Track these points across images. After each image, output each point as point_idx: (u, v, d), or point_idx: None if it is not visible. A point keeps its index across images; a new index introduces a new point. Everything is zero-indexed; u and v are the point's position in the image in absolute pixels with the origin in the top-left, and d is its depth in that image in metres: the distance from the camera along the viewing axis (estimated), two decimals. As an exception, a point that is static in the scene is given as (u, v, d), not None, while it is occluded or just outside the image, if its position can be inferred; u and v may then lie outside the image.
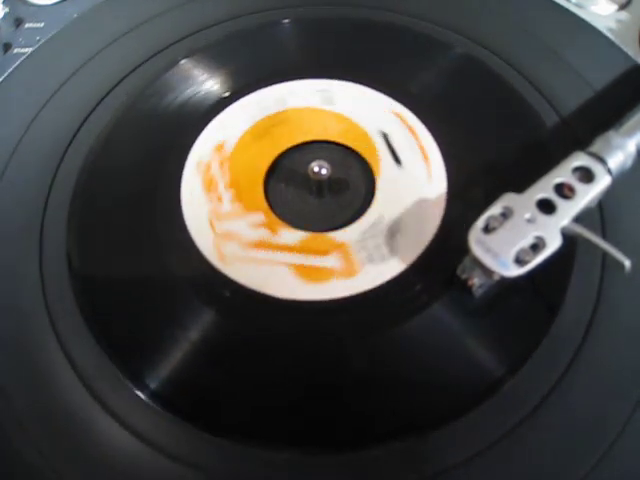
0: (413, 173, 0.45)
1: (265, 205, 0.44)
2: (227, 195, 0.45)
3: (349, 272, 0.41)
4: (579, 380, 0.37)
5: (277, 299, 0.40)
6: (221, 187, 0.45)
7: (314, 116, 0.48)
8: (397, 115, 0.47)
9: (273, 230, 0.43)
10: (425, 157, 0.45)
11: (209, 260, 0.41)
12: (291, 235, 0.43)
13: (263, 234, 0.43)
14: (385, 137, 0.46)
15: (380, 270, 0.40)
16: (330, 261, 0.41)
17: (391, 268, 0.40)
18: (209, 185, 0.45)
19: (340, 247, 0.42)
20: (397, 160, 0.44)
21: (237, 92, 0.50)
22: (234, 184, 0.45)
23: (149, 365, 0.38)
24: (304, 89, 0.50)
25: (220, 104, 0.49)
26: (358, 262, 0.41)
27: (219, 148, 0.47)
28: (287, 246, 0.42)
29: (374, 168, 0.45)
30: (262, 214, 0.44)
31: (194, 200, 0.44)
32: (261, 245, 0.42)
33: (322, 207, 0.45)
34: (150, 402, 0.37)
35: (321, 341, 0.39)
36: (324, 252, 0.42)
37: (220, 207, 0.44)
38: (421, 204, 0.43)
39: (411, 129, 0.46)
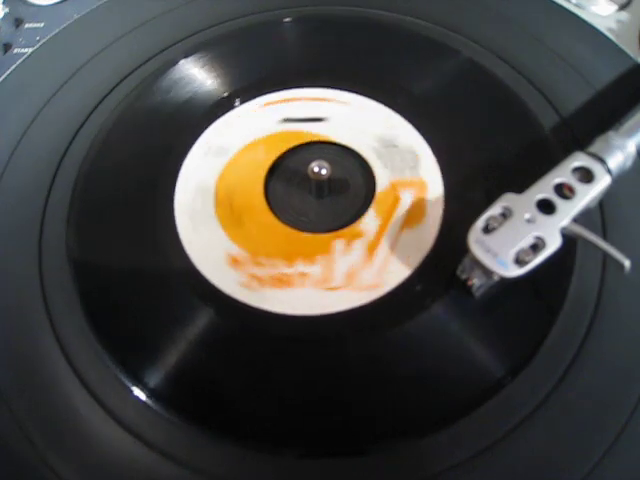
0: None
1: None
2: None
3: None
4: (579, 380, 0.37)
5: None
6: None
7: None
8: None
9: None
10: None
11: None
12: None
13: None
14: None
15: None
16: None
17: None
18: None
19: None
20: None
21: (240, 95, 0.50)
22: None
23: (149, 365, 0.38)
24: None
25: (220, 106, 0.49)
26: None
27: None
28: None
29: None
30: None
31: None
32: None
33: (322, 207, 0.45)
34: (150, 402, 0.37)
35: (321, 342, 0.39)
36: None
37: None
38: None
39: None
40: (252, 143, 0.47)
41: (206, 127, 0.48)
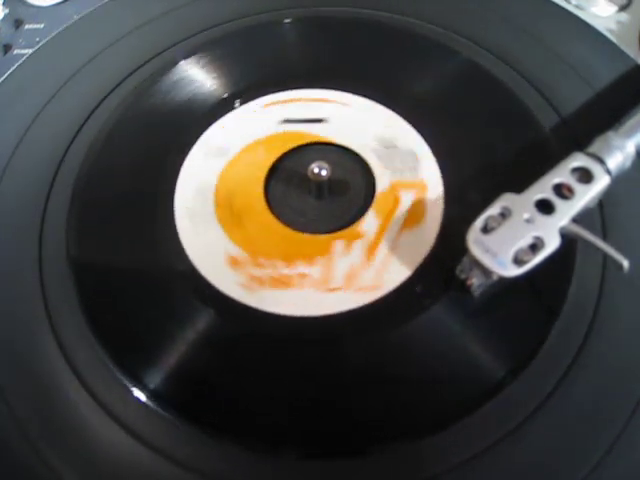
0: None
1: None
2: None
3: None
4: (580, 381, 0.37)
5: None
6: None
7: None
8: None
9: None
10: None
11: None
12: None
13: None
14: None
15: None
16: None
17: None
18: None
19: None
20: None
21: (240, 95, 0.50)
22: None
23: (149, 365, 0.38)
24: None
25: (220, 107, 0.49)
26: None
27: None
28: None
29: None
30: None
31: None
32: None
33: (322, 208, 0.45)
34: (149, 403, 0.37)
35: (321, 343, 0.39)
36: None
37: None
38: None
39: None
40: (252, 144, 0.47)
41: (206, 128, 0.48)
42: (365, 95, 0.49)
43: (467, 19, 0.54)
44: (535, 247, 0.36)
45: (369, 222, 0.43)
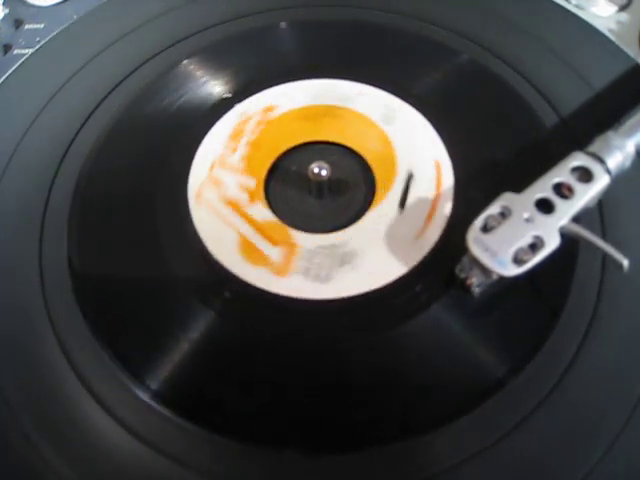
0: (406, 224, 0.43)
1: (263, 176, 0.45)
2: (242, 150, 0.47)
3: (279, 270, 0.41)
4: (580, 380, 0.37)
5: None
6: (243, 141, 0.47)
7: (363, 126, 0.48)
8: (436, 165, 0.45)
9: (252, 199, 0.44)
10: (429, 217, 0.43)
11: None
12: (262, 212, 0.44)
13: (242, 198, 0.44)
14: (408, 179, 0.45)
15: (307, 286, 0.40)
16: (273, 252, 0.42)
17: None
18: (236, 134, 0.47)
19: (290, 246, 0.42)
20: (402, 205, 0.44)
21: (240, 95, 0.50)
22: (255, 145, 0.47)
23: (149, 365, 0.38)
24: (374, 96, 0.49)
25: (220, 107, 0.49)
26: (293, 267, 0.41)
27: (267, 109, 0.48)
28: (251, 219, 0.43)
29: (376, 197, 0.44)
30: (255, 181, 0.45)
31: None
32: (233, 205, 0.44)
33: (322, 208, 0.45)
34: (150, 402, 0.37)
35: (321, 342, 0.39)
36: (275, 242, 0.42)
37: (229, 156, 0.46)
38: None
39: (439, 183, 0.44)
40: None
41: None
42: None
43: (467, 19, 0.54)
44: (535, 246, 0.36)
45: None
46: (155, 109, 0.49)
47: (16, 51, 0.56)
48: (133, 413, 0.37)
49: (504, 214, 0.37)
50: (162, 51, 0.53)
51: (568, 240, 0.37)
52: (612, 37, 0.52)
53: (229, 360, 0.39)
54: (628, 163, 0.39)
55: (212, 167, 0.46)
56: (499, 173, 0.44)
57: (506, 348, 0.38)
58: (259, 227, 0.43)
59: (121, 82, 0.51)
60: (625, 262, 0.36)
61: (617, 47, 0.51)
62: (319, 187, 0.44)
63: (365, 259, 0.41)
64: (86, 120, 0.49)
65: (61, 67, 0.52)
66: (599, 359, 0.38)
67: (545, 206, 0.37)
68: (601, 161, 0.39)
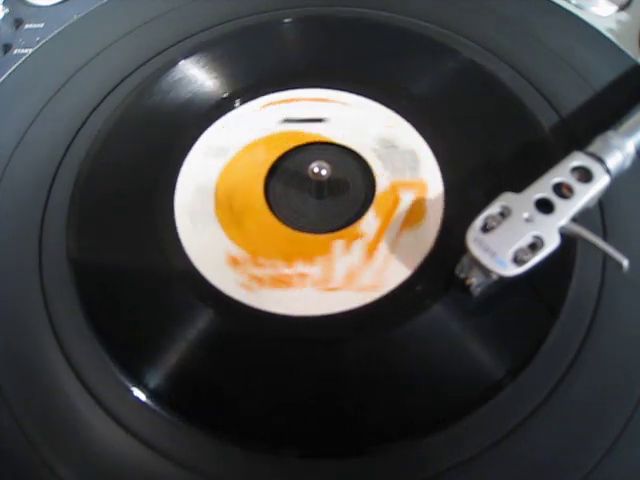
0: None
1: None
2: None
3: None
4: (580, 380, 0.37)
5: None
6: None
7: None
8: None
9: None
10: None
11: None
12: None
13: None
14: None
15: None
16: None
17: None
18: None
19: None
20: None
21: (240, 95, 0.50)
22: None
23: (149, 365, 0.38)
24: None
25: (220, 107, 0.49)
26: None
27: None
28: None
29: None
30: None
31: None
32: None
33: (322, 208, 0.45)
34: (149, 402, 0.37)
35: (321, 343, 0.39)
36: None
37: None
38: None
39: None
40: (252, 143, 0.47)
41: (206, 127, 0.48)
42: (365, 95, 0.49)
43: (467, 19, 0.54)
44: (535, 246, 0.36)
45: (369, 222, 0.43)
46: (155, 109, 0.49)
47: (16, 51, 0.56)
48: (132, 413, 0.37)
49: (504, 214, 0.37)
50: (162, 51, 0.53)
51: (568, 240, 0.37)
52: (612, 37, 0.52)
53: (228, 360, 0.39)
54: (628, 163, 0.39)
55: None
56: (499, 173, 0.44)
57: (506, 348, 0.38)
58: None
59: (121, 82, 0.51)
60: (625, 262, 0.36)
61: (617, 47, 0.51)
62: (319, 187, 0.44)
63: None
64: (86, 120, 0.49)
65: (61, 67, 0.52)
66: (599, 359, 0.38)
67: (545, 206, 0.37)
68: (601, 161, 0.39)
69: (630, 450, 0.35)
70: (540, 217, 0.37)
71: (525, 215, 0.37)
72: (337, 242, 0.42)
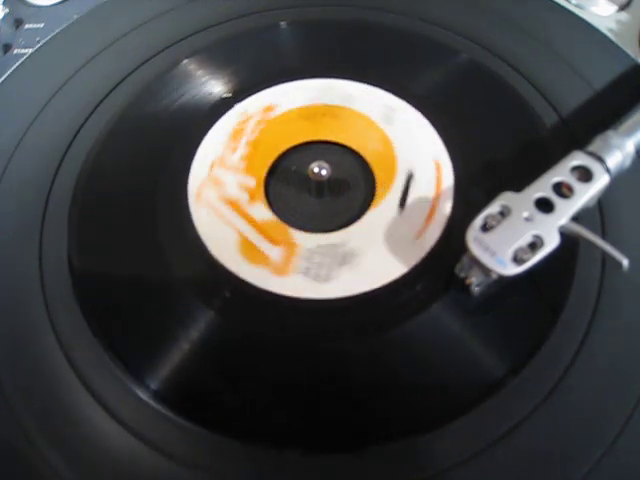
0: (406, 223, 0.43)
1: (263, 175, 0.45)
2: (242, 150, 0.47)
3: (280, 270, 0.41)
4: (580, 380, 0.37)
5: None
6: (243, 141, 0.47)
7: (363, 126, 0.48)
8: (436, 165, 0.45)
9: (252, 198, 0.44)
10: (429, 216, 0.43)
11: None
12: (262, 212, 0.44)
13: (242, 197, 0.44)
14: (408, 179, 0.45)
15: (307, 286, 0.40)
16: (273, 252, 0.42)
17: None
18: (236, 134, 0.47)
19: (290, 245, 0.42)
20: (402, 204, 0.43)
21: (240, 95, 0.50)
22: (254, 145, 0.47)
23: (149, 365, 0.38)
24: (374, 96, 0.49)
25: (220, 106, 0.49)
26: (293, 266, 0.41)
27: (268, 109, 0.48)
28: (252, 218, 0.43)
29: (376, 196, 0.44)
30: (255, 181, 0.45)
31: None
32: (233, 205, 0.44)
33: (322, 207, 0.45)
34: (150, 401, 0.37)
35: (321, 342, 0.39)
36: (275, 241, 0.42)
37: (229, 156, 0.46)
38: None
39: (439, 183, 0.44)
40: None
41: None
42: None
43: (467, 19, 0.54)
44: (534, 246, 0.36)
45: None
46: (155, 109, 0.49)
47: (16, 51, 0.56)
48: (133, 412, 0.37)
49: (504, 213, 0.37)
50: (162, 51, 0.53)
51: (568, 239, 0.37)
52: (612, 37, 0.52)
53: (229, 360, 0.39)
54: (628, 162, 0.39)
55: (212, 167, 0.45)
56: (499, 173, 0.44)
57: (506, 348, 0.38)
58: (259, 227, 0.43)
59: (121, 82, 0.51)
60: (625, 262, 0.36)
61: (617, 47, 0.51)
62: (319, 187, 0.44)
63: (365, 259, 0.41)
64: (86, 120, 0.49)
65: (61, 67, 0.52)
66: (599, 359, 0.38)
67: (545, 205, 0.37)
68: (601, 160, 0.39)
69: (630, 450, 0.35)
70: (540, 216, 0.37)
71: (525, 214, 0.37)
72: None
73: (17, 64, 0.53)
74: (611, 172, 0.38)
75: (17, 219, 0.45)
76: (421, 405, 0.37)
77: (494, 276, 0.36)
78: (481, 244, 0.36)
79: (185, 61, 0.52)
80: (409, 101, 0.48)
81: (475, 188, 0.43)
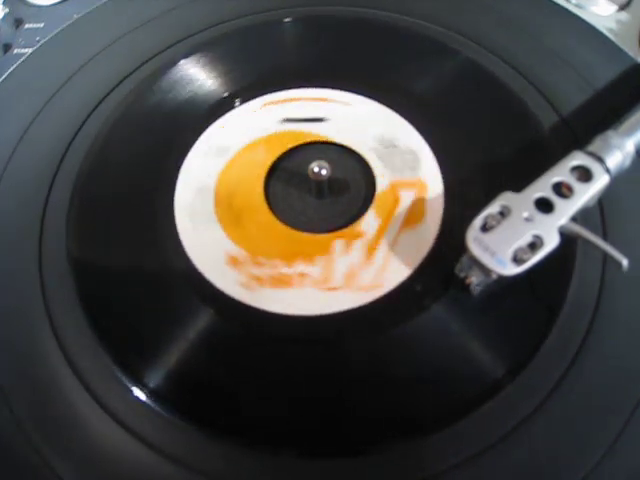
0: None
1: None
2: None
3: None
4: (580, 380, 0.37)
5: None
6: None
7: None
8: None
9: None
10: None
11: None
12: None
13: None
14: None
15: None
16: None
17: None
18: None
19: None
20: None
21: (239, 95, 0.50)
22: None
23: (149, 365, 0.38)
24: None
25: (220, 107, 0.49)
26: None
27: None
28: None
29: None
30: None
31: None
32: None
33: (322, 207, 0.45)
34: (149, 402, 0.37)
35: (321, 342, 0.39)
36: None
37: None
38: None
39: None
40: (252, 143, 0.47)
41: (206, 127, 0.48)
42: (365, 94, 0.49)
43: (467, 18, 0.54)
44: (534, 246, 0.36)
45: (369, 221, 0.43)
46: (155, 109, 0.49)
47: (16, 50, 0.56)
48: (132, 413, 0.37)
49: (503, 213, 0.37)
50: (162, 51, 0.53)
51: (568, 239, 0.37)
52: (612, 36, 0.52)
53: (228, 360, 0.39)
54: (628, 162, 0.39)
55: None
56: (499, 173, 0.44)
57: (506, 348, 0.38)
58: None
59: (121, 81, 0.51)
60: (625, 262, 0.36)
61: (617, 47, 0.51)
62: (319, 187, 0.44)
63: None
64: (86, 119, 0.49)
65: (61, 66, 0.52)
66: (599, 359, 0.38)
67: (544, 205, 0.37)
68: (601, 160, 0.39)
69: (630, 450, 0.35)
70: (540, 216, 0.37)
71: (525, 214, 0.37)
72: (337, 242, 0.42)
73: (17, 64, 0.53)
74: (611, 172, 0.38)
75: (17, 218, 0.45)
76: (421, 406, 0.37)
77: (494, 276, 0.36)
78: (481, 244, 0.36)
79: (185, 61, 0.52)
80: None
81: (475, 188, 0.43)
